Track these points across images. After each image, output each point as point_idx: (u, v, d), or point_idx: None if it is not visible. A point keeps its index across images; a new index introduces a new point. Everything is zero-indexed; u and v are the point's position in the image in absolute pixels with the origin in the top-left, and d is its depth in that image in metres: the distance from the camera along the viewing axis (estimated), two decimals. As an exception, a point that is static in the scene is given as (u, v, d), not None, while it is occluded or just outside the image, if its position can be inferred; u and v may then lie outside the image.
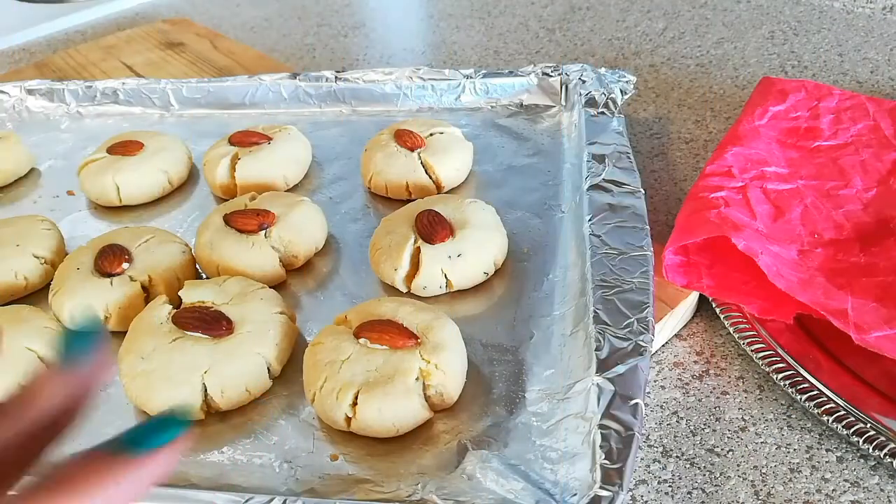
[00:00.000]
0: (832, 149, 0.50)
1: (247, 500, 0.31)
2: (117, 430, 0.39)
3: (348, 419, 0.34)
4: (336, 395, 0.34)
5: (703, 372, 0.39)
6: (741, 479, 0.34)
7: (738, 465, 0.34)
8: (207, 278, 0.44)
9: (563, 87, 0.57)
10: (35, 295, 0.45)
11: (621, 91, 0.54)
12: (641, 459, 0.35)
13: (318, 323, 0.42)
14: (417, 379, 0.34)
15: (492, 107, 0.59)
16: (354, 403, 0.34)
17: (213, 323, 0.37)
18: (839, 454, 0.34)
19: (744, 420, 0.36)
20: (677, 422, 0.37)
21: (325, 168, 0.55)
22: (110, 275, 0.42)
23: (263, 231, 0.44)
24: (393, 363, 0.35)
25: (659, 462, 0.35)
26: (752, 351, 0.38)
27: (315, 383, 0.35)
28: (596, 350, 0.34)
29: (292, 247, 0.44)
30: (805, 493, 0.33)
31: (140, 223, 0.51)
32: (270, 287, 0.41)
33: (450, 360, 0.35)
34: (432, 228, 0.42)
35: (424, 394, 0.35)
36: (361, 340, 0.36)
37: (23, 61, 0.83)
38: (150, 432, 0.21)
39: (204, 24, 0.83)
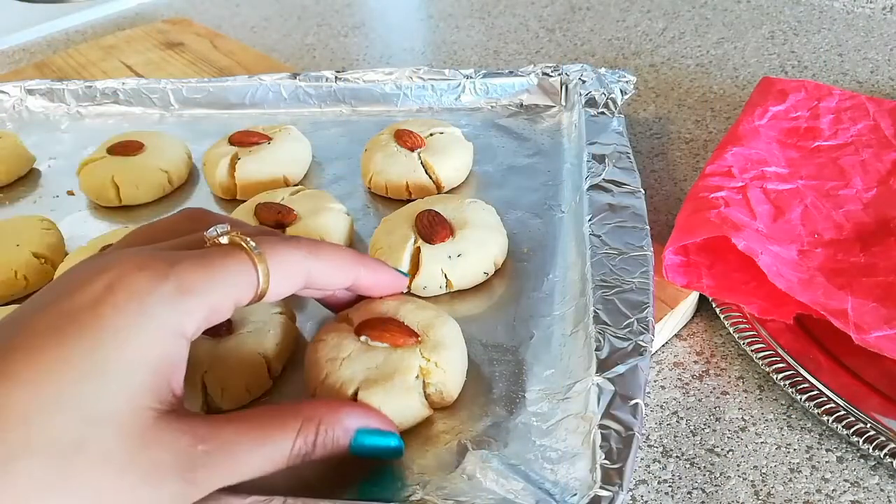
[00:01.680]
0: (832, 149, 0.50)
1: (247, 500, 0.31)
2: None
3: None
4: (336, 393, 0.34)
5: (703, 372, 0.39)
6: (741, 479, 0.34)
7: (738, 465, 0.34)
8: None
9: (563, 87, 0.57)
10: (35, 295, 0.45)
11: (621, 91, 0.54)
12: (641, 459, 0.35)
13: (318, 323, 0.42)
14: (417, 377, 0.34)
15: (492, 107, 0.59)
16: (356, 399, 0.34)
17: (213, 323, 0.37)
18: (839, 454, 0.34)
19: (744, 420, 0.36)
20: (677, 422, 0.37)
21: (325, 168, 0.55)
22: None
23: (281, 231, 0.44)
24: (393, 361, 0.35)
25: (659, 462, 0.35)
26: (752, 351, 0.38)
27: (316, 379, 0.35)
28: (596, 350, 0.34)
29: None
30: (805, 493, 0.33)
31: (140, 223, 0.51)
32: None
33: (450, 359, 0.35)
34: (432, 228, 0.42)
35: (424, 392, 0.35)
36: (362, 338, 0.36)
37: (23, 61, 0.83)
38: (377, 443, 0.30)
39: (204, 24, 0.83)
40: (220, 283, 0.26)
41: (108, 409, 0.22)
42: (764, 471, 0.34)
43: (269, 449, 0.26)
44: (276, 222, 0.43)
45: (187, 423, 0.24)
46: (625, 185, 0.45)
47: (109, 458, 0.22)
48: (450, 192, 0.51)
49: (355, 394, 0.34)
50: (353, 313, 0.38)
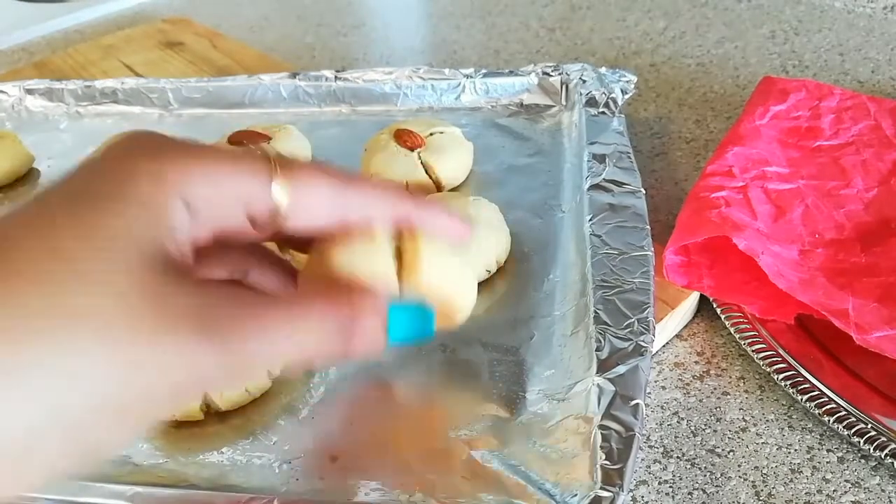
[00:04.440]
0: (833, 148, 0.50)
1: (247, 501, 0.31)
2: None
3: None
4: None
5: (703, 372, 0.39)
6: (742, 480, 0.34)
7: (739, 466, 0.34)
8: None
9: (564, 87, 0.57)
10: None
11: (622, 91, 0.54)
12: (642, 460, 0.35)
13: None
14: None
15: (492, 106, 0.59)
16: None
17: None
18: (840, 454, 0.34)
19: (745, 420, 0.36)
20: (678, 422, 0.37)
21: (325, 168, 0.55)
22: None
23: None
24: None
25: (660, 462, 0.35)
26: (752, 351, 0.38)
27: None
28: (596, 350, 0.34)
29: (300, 257, 0.43)
30: (806, 493, 0.33)
31: (139, 223, 0.51)
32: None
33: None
34: (433, 227, 0.42)
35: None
36: None
37: (22, 61, 0.83)
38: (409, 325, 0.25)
39: (204, 23, 0.83)
40: (228, 165, 0.23)
41: (107, 270, 0.20)
42: (765, 471, 0.34)
43: (303, 324, 0.22)
44: None
45: (200, 283, 0.22)
46: (625, 184, 0.44)
47: (117, 316, 0.20)
48: (451, 191, 0.50)
49: None
50: None
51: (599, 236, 0.41)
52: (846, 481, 0.33)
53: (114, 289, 0.20)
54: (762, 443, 0.35)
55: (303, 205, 0.24)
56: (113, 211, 0.21)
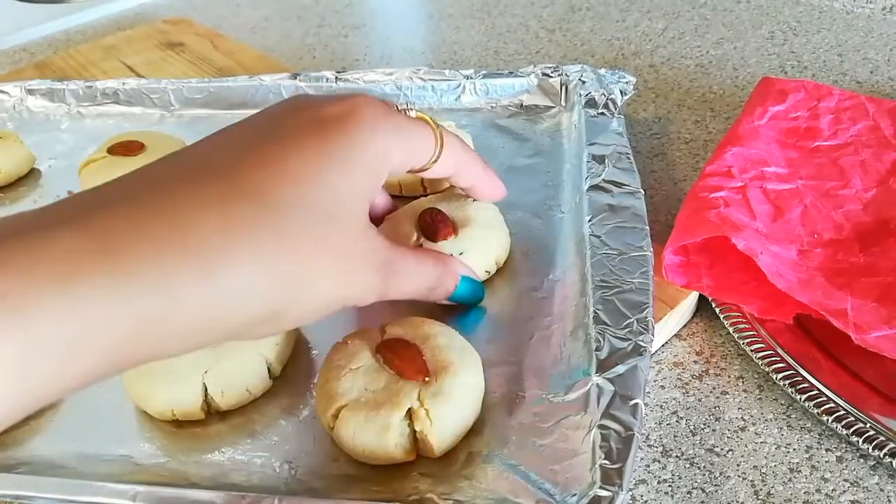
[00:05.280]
0: (832, 149, 0.50)
1: (247, 500, 0.31)
2: (116, 430, 0.39)
3: (330, 427, 0.34)
4: (326, 399, 0.34)
5: (702, 372, 0.39)
6: (741, 479, 0.34)
7: (738, 465, 0.34)
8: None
9: (563, 88, 0.57)
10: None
11: (621, 91, 0.54)
12: (641, 459, 0.35)
13: (320, 323, 0.42)
14: (403, 419, 0.32)
15: (492, 107, 0.59)
16: (337, 415, 0.33)
17: (213, 323, 0.37)
18: (839, 454, 0.34)
19: (743, 420, 0.36)
20: (677, 421, 0.37)
21: (326, 168, 0.55)
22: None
23: None
24: (391, 392, 0.33)
25: (659, 462, 0.35)
26: (751, 351, 0.38)
27: (320, 377, 0.35)
28: (596, 350, 0.35)
29: None
30: (805, 492, 0.33)
31: (140, 223, 0.51)
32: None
33: (442, 413, 0.32)
34: (435, 226, 0.42)
35: (411, 435, 0.33)
36: (378, 356, 0.35)
37: (23, 61, 0.83)
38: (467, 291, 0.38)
39: (204, 24, 0.83)
40: (416, 136, 0.33)
41: (350, 197, 0.29)
42: (763, 470, 0.34)
43: (423, 271, 0.34)
44: None
45: (378, 238, 0.31)
46: (624, 185, 0.45)
47: (351, 232, 0.29)
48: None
49: (339, 409, 0.33)
50: (391, 326, 0.36)
51: (599, 237, 0.41)
52: (845, 480, 0.33)
53: (353, 214, 0.29)
54: (761, 442, 0.35)
55: (443, 163, 0.35)
56: (363, 153, 0.29)
